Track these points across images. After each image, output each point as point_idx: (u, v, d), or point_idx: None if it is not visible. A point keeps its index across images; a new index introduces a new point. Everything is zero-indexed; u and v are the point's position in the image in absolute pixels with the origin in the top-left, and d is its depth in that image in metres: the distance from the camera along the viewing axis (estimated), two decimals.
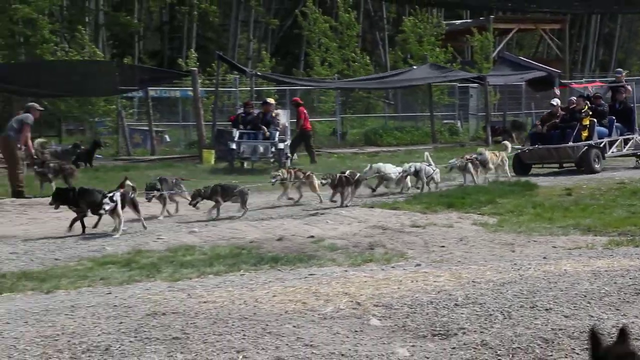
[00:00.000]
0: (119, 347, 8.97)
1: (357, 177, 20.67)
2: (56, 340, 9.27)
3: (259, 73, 40.09)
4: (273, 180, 21.15)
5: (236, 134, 29.15)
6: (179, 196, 20.30)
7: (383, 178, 22.42)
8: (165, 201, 19.69)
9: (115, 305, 10.78)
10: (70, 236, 16.47)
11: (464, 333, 8.91)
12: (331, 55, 49.36)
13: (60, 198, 17.88)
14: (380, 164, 23.05)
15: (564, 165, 25.42)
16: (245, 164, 30.55)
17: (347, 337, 9.11)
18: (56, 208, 18.12)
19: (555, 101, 27.07)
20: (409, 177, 22.51)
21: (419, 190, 22.19)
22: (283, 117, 31.85)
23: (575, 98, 27.44)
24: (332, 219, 18.17)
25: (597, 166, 24.02)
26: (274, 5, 61.20)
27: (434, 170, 22.49)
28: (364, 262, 13.66)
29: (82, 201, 17.48)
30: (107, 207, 16.86)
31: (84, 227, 17.43)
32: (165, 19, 60.85)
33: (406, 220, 17.74)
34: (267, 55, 52.85)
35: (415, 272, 12.27)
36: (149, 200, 19.40)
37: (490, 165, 23.12)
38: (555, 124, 25.47)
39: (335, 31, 50.24)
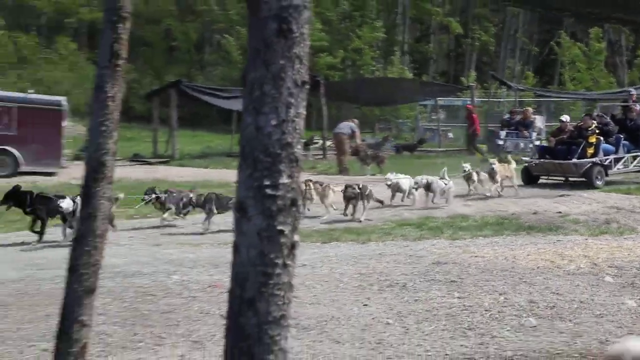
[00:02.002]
0: (412, 284, 9.28)
1: (368, 191, 15.44)
2: (369, 277, 9.64)
3: (521, 87, 40.16)
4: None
5: (503, 133, 29.10)
6: None
7: (397, 190, 17.11)
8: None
9: (410, 255, 11.05)
10: (378, 208, 16.60)
11: None
12: (579, 74, 48.82)
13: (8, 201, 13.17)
14: (392, 175, 17.54)
15: (570, 178, 20.36)
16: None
17: (586, 289, 9.14)
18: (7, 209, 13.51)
19: (565, 117, 22.34)
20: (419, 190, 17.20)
21: (431, 204, 17.00)
22: (539, 121, 31.57)
23: (584, 116, 22.58)
24: (576, 199, 17.62)
25: (598, 182, 19.48)
26: (535, 36, 60.37)
27: (446, 184, 17.07)
28: (601, 234, 13.25)
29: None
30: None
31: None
32: (451, 47, 61.27)
33: (637, 202, 16.94)
34: (529, 74, 52.98)
35: None
36: (146, 203, 14.82)
37: (497, 178, 18.08)
38: (563, 140, 20.73)
39: (586, 56, 49.82)
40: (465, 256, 10.94)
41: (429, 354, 6.90)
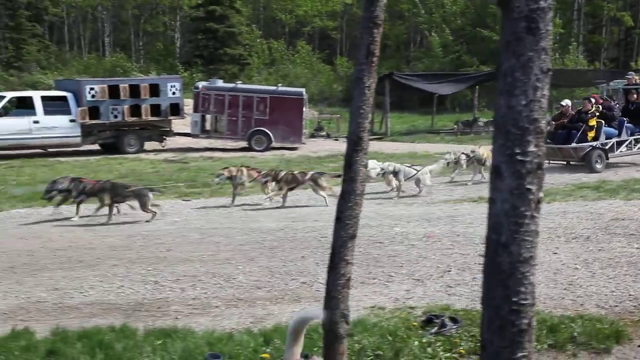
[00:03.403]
0: (595, 237, 8.90)
1: (309, 175, 12.77)
2: (555, 230, 9.31)
3: None
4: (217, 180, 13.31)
5: None
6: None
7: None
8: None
9: (590, 212, 10.52)
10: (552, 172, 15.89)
11: None
12: None
13: None
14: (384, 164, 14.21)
15: (571, 162, 17.03)
16: None
17: None
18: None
19: (566, 102, 18.44)
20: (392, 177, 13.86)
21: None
22: None
23: (583, 99, 18.90)
24: None
25: (598, 166, 16.21)
26: None
27: (417, 172, 13.81)
28: None
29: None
30: None
31: None
32: (622, 36, 56.92)
33: None
34: None
35: None
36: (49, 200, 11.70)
37: (488, 163, 14.38)
38: (563, 124, 17.28)
39: None
40: None
41: (615, 294, 6.61)
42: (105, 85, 22.78)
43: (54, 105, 21.79)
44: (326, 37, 53.71)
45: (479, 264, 7.70)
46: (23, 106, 21.60)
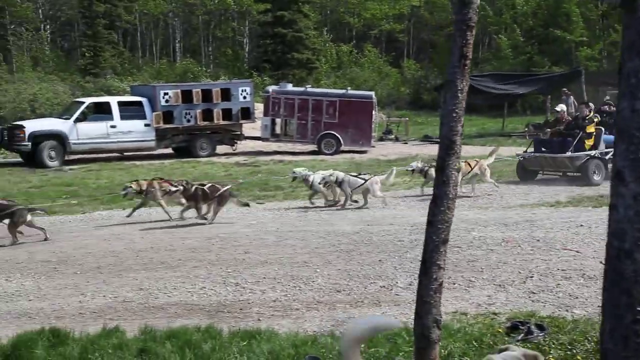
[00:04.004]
0: None
1: (221, 191, 11.57)
2: None
3: None
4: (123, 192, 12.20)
5: None
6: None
7: (311, 186, 13.03)
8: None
9: None
10: None
11: None
12: None
13: None
14: (301, 170, 13.49)
15: (567, 173, 15.43)
16: None
17: None
18: None
19: (560, 107, 16.71)
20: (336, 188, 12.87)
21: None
22: None
23: (579, 104, 17.26)
24: None
25: (596, 178, 14.58)
26: None
27: (365, 181, 12.60)
28: None
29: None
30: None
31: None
32: None
33: None
34: None
35: None
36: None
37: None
38: (559, 131, 15.69)
39: None
40: None
41: None
42: (178, 90, 23.26)
43: (130, 110, 22.37)
44: (393, 39, 53.50)
45: (562, 270, 7.53)
46: (100, 111, 22.26)
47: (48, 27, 51.66)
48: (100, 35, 43.30)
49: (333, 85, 37.41)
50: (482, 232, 9.83)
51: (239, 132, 24.30)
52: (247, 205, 12.17)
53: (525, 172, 15.78)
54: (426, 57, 51.89)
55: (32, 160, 20.70)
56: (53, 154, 20.88)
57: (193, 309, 6.63)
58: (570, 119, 16.04)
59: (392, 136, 29.05)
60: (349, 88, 27.47)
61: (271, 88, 25.64)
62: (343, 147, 23.88)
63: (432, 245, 3.82)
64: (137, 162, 21.20)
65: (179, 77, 40.81)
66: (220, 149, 23.75)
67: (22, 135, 20.82)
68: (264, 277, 7.60)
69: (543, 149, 15.64)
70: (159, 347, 5.18)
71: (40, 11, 50.49)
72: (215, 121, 23.52)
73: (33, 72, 39.39)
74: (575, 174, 15.13)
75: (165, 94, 22.86)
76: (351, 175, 13.03)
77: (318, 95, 24.92)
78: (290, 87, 25.90)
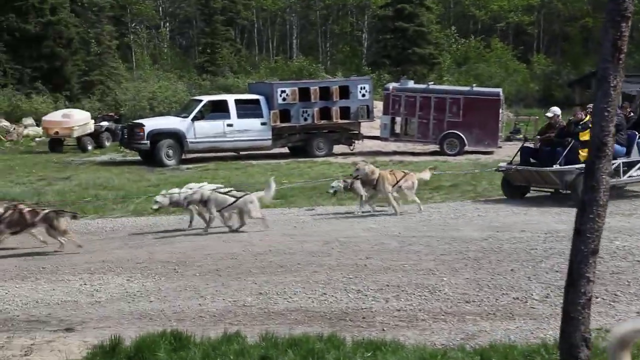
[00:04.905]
0: None
1: (40, 216, 10.03)
2: None
3: None
4: None
5: None
6: None
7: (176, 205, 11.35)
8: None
9: None
10: None
11: None
12: None
13: None
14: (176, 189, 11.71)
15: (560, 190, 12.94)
16: None
17: None
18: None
19: (553, 110, 13.84)
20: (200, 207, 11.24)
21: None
22: None
23: (573, 107, 14.34)
24: None
25: None
26: None
27: (237, 199, 11.02)
28: None
29: None
30: None
31: None
32: None
33: None
34: None
35: None
36: None
37: (381, 187, 12.21)
38: (550, 139, 13.18)
39: None
40: None
41: None
42: (296, 88, 23.56)
43: (247, 109, 22.88)
44: (522, 32, 52.08)
45: None
46: (218, 110, 22.91)
47: (167, 24, 53.85)
48: (218, 32, 44.69)
49: (456, 82, 36.83)
50: (627, 241, 9.37)
51: (357, 132, 24.34)
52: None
53: (512, 189, 13.55)
54: (558, 51, 50.25)
55: (150, 158, 21.57)
56: (170, 152, 21.68)
57: (314, 316, 6.65)
58: (564, 124, 13.62)
59: (520, 136, 28.18)
60: (474, 85, 26.94)
61: (391, 85, 25.54)
62: (467, 148, 23.43)
63: (580, 256, 3.63)
64: (253, 162, 21.64)
65: (294, 74, 41.44)
66: (337, 148, 23.87)
67: (141, 133, 21.73)
68: (387, 285, 7.53)
69: (531, 160, 13.38)
70: (281, 355, 5.22)
71: (160, 9, 52.72)
72: (334, 120, 23.66)
73: (152, 70, 41.16)
74: (565, 191, 12.83)
75: (283, 91, 23.21)
76: (220, 191, 11.34)
77: (441, 92, 24.58)
78: (411, 84, 25.67)
